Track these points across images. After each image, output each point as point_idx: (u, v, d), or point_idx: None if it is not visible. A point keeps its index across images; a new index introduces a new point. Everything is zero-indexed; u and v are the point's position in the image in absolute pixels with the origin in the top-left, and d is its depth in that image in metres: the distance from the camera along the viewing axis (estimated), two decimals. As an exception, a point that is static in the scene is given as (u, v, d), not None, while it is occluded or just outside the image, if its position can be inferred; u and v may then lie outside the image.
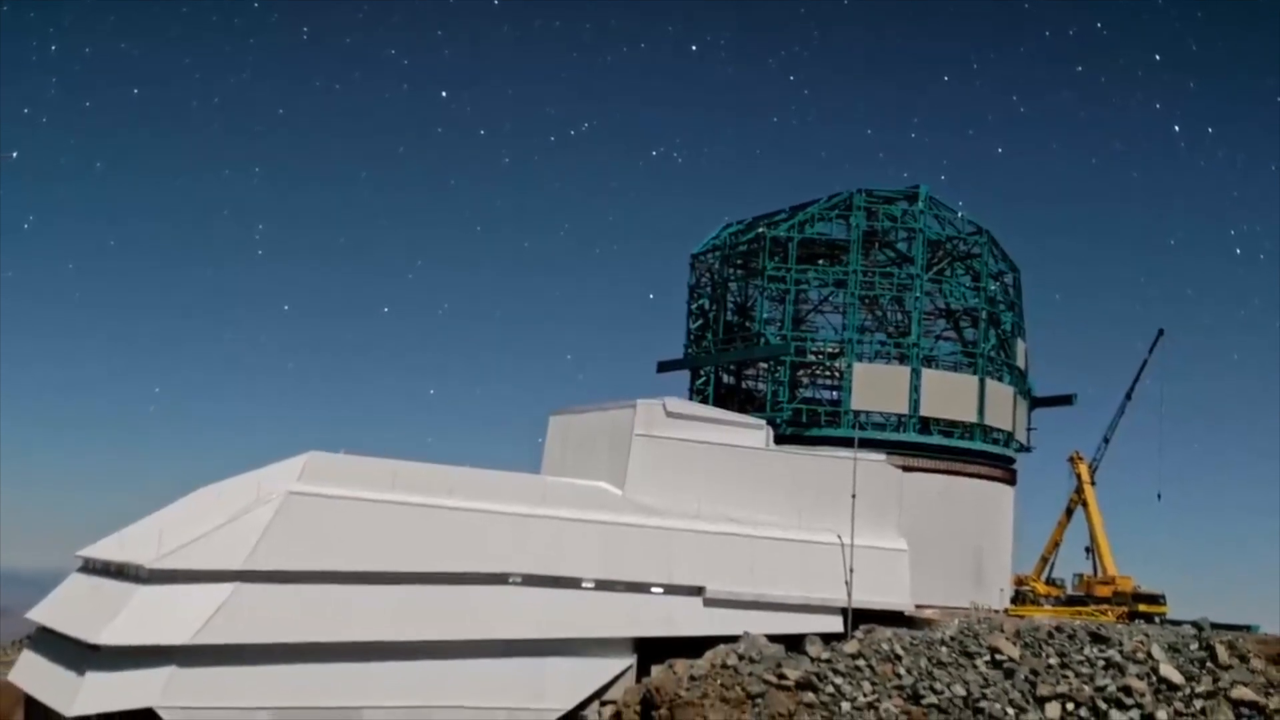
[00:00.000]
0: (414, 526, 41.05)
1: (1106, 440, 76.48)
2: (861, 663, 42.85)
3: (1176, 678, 43.00)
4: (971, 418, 59.17)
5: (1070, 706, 41.27)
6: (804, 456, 53.10)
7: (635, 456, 49.57)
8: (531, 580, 42.44)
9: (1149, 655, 44.24)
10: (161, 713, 35.60)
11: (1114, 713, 40.84)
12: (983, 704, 40.70)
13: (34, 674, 39.80)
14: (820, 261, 63.35)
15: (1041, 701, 41.51)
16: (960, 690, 41.33)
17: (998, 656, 43.65)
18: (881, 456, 53.67)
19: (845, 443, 52.56)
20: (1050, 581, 72.79)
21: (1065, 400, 69.41)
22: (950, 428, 59.04)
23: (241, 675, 37.00)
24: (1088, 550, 72.57)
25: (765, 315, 63.03)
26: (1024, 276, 65.17)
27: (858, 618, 47.97)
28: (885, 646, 43.99)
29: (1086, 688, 42.10)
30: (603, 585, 43.93)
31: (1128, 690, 41.79)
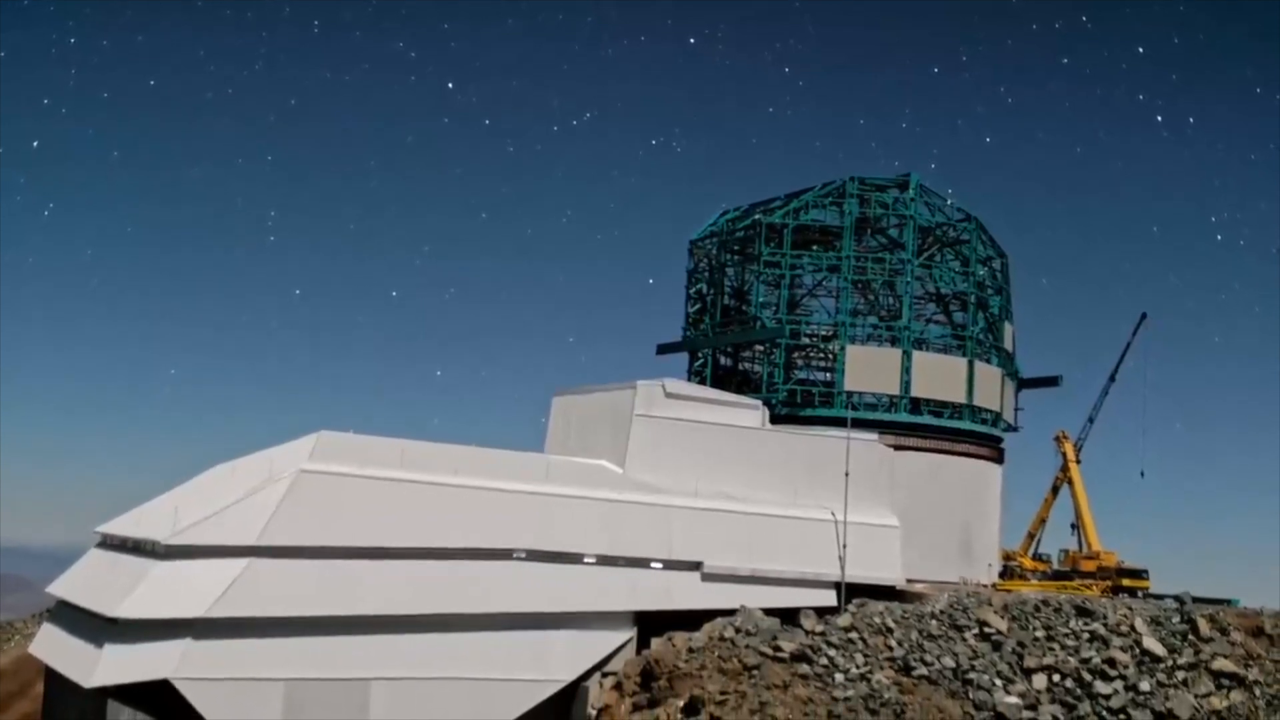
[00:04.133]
0: (421, 504, 41.72)
1: (1091, 420, 77.73)
2: (854, 635, 43.46)
3: (1159, 650, 43.85)
4: (961, 398, 60.22)
5: (1056, 678, 41.90)
6: (799, 436, 54.00)
7: (635, 436, 50.40)
8: (535, 555, 43.16)
9: (1132, 628, 45.03)
10: (177, 684, 36.25)
11: (1098, 684, 41.49)
12: (971, 675, 41.39)
13: (54, 646, 40.49)
14: (814, 247, 64.21)
15: (1028, 673, 42.20)
16: (950, 662, 42.12)
17: (986, 629, 44.41)
18: (873, 436, 54.71)
19: (838, 423, 53.44)
20: (1037, 557, 73.85)
21: (1051, 382, 70.50)
22: (940, 408, 60.09)
23: (255, 648, 37.66)
24: (1073, 526, 73.56)
25: (761, 299, 63.83)
26: (1012, 262, 66.23)
27: (851, 592, 49.00)
28: (877, 620, 44.78)
29: (1072, 659, 42.86)
30: (604, 560, 44.73)
31: (1112, 662, 42.58)
